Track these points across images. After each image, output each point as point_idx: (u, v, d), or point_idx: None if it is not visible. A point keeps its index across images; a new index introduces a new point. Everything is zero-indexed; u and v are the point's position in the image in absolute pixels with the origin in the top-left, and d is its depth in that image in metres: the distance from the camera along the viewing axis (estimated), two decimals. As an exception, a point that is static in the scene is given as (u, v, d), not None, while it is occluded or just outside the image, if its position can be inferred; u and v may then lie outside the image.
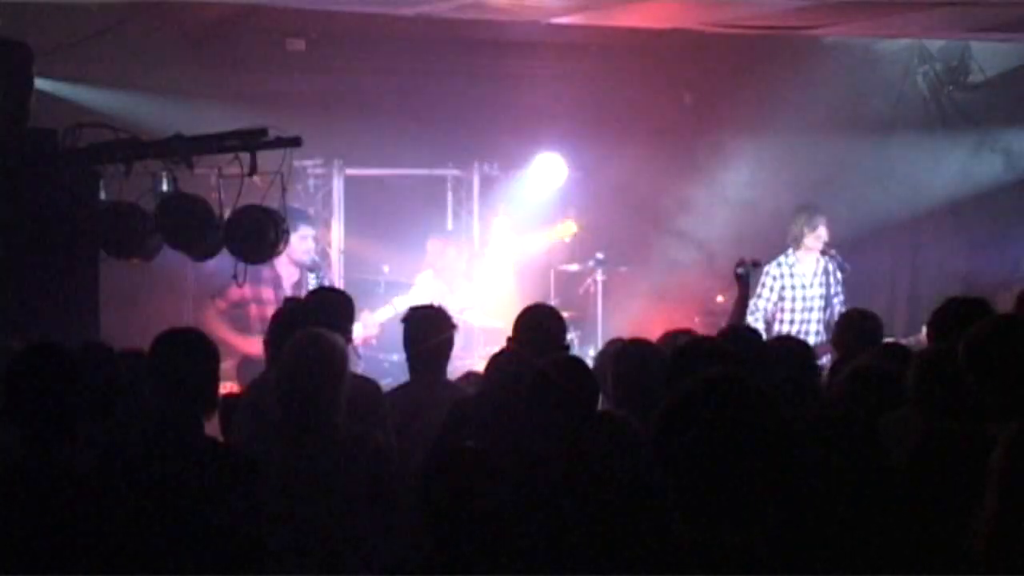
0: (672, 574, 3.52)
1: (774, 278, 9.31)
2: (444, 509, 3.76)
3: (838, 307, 9.27)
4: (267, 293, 8.71)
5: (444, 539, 3.77)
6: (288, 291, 8.76)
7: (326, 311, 6.00)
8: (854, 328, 6.56)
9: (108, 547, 4.10)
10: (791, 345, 5.84)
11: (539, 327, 5.79)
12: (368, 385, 5.77)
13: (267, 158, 6.79)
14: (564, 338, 5.97)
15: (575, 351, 10.17)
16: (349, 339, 6.09)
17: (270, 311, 7.09)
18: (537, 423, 4.60)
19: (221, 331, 8.45)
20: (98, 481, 4.19)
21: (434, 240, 10.46)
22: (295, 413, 5.02)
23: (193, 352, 4.60)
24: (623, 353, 5.41)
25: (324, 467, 4.95)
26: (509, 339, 5.84)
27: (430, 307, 6.46)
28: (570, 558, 4.06)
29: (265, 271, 8.69)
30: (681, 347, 5.06)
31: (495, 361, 5.52)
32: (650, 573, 3.59)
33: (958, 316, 5.09)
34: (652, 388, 4.85)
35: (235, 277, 7.04)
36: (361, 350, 8.48)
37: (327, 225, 10.54)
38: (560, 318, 5.98)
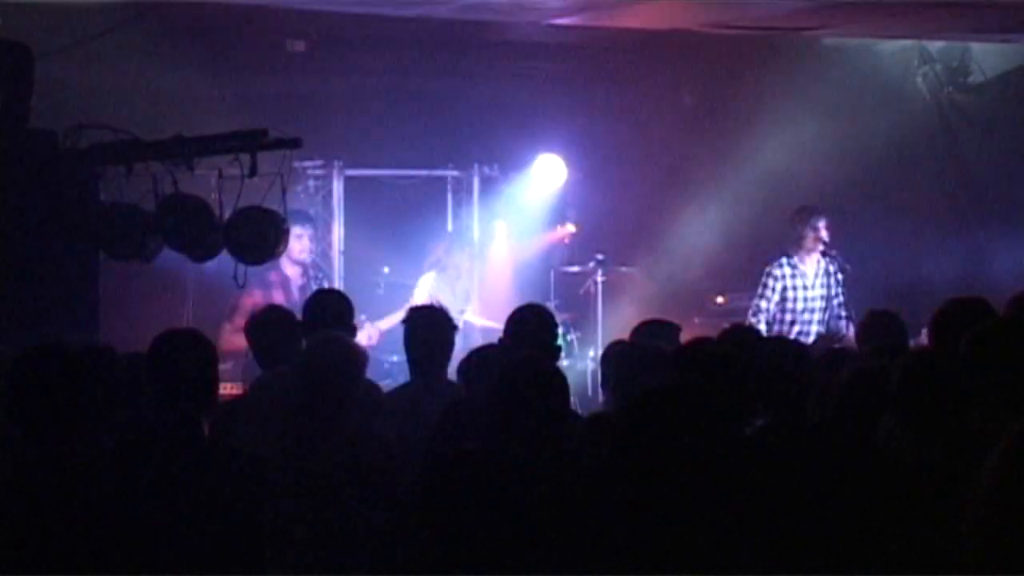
0: (666, 574, 3.53)
1: (776, 278, 9.30)
2: (440, 511, 3.76)
3: (838, 308, 9.26)
4: (278, 297, 8.69)
5: (440, 540, 3.77)
6: (296, 293, 8.76)
7: (324, 313, 6.01)
8: (880, 328, 6.47)
9: (108, 547, 4.10)
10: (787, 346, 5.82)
11: (525, 328, 5.78)
12: (368, 386, 5.78)
13: (267, 159, 6.79)
14: (551, 337, 5.94)
15: (575, 352, 10.21)
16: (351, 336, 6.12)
17: None
18: (514, 424, 4.59)
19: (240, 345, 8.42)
20: (97, 481, 4.19)
21: (437, 243, 10.46)
22: (313, 411, 5.05)
23: (192, 352, 4.60)
24: (624, 355, 5.41)
25: (338, 464, 4.98)
26: (501, 340, 5.85)
27: (430, 307, 6.46)
28: (566, 558, 4.06)
29: (272, 275, 8.69)
30: (682, 349, 5.06)
31: (479, 359, 5.54)
32: (647, 573, 3.60)
33: (959, 317, 5.09)
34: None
35: (235, 278, 7.04)
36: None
37: (327, 226, 10.55)
38: (549, 318, 5.96)
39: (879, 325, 6.44)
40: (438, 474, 3.83)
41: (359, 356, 5.21)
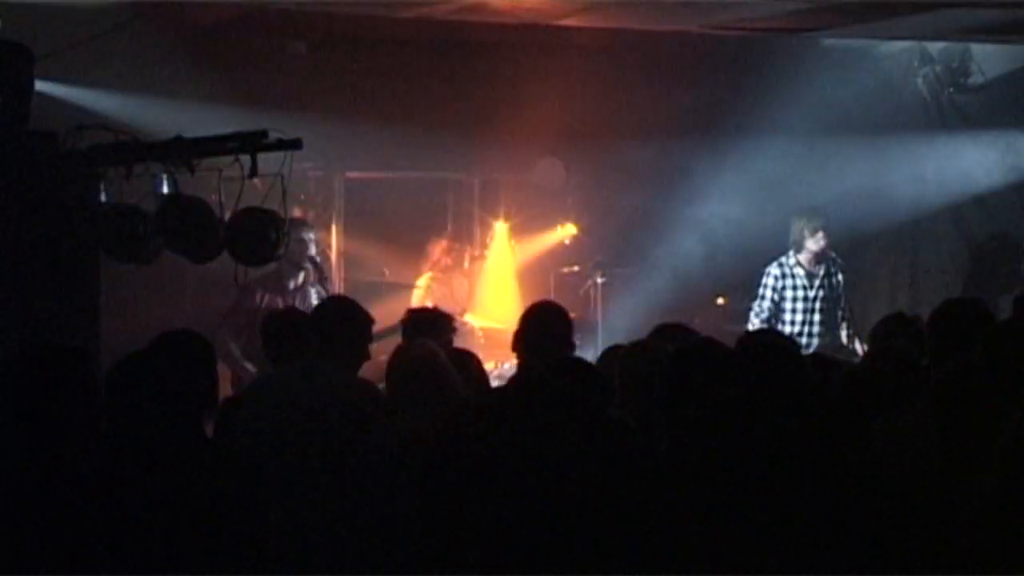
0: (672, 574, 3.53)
1: (775, 279, 9.30)
2: (444, 512, 3.76)
3: (840, 310, 9.26)
4: (275, 299, 8.68)
5: (443, 541, 3.77)
6: (292, 297, 8.75)
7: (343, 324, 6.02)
8: (893, 332, 6.43)
9: (109, 550, 4.10)
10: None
11: (546, 328, 5.79)
12: (370, 388, 5.80)
13: (268, 160, 6.79)
14: (571, 338, 5.96)
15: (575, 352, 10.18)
16: (367, 357, 6.11)
17: None
18: (539, 427, 4.59)
19: (233, 357, 8.40)
20: (97, 483, 4.19)
21: (435, 242, 10.46)
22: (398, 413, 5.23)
23: (191, 354, 4.60)
24: (629, 356, 5.37)
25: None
26: (515, 338, 5.86)
27: (428, 310, 6.47)
28: (569, 561, 4.06)
29: (270, 277, 8.68)
30: (677, 352, 5.04)
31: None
32: (650, 574, 3.60)
33: (956, 318, 5.09)
34: (658, 391, 4.82)
35: (235, 279, 7.05)
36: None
37: (327, 228, 10.54)
38: (567, 317, 5.97)
39: (888, 330, 6.41)
40: (444, 475, 3.83)
41: (441, 362, 5.34)
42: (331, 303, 6.53)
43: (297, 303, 8.57)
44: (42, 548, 4.04)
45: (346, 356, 5.80)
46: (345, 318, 5.98)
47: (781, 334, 6.95)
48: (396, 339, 6.59)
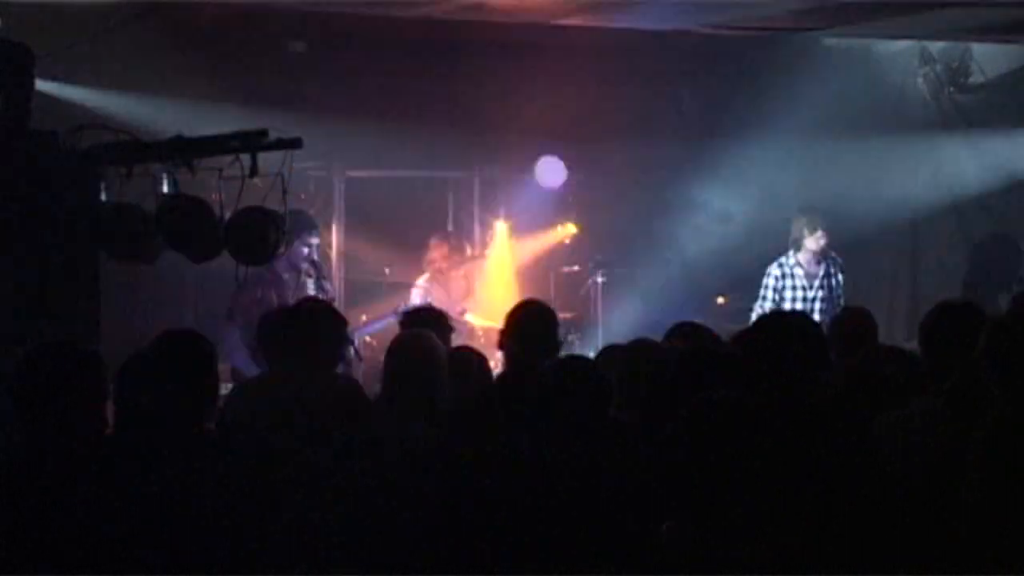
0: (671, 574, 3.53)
1: (775, 279, 9.31)
2: (443, 512, 3.76)
3: (839, 309, 9.26)
4: (270, 295, 8.67)
5: (442, 541, 3.77)
6: (288, 293, 8.73)
7: (318, 331, 5.99)
8: (846, 328, 6.41)
9: (110, 546, 4.10)
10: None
11: (530, 327, 5.79)
12: (350, 384, 5.81)
13: (268, 160, 6.79)
14: (553, 334, 5.94)
15: (575, 352, 10.19)
16: (340, 361, 6.09)
17: None
18: (539, 426, 4.59)
19: (238, 360, 8.33)
20: (99, 482, 4.19)
21: (435, 242, 10.46)
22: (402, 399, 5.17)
23: (192, 352, 4.60)
24: (630, 355, 5.37)
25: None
26: (500, 337, 5.86)
27: (424, 308, 6.47)
28: (572, 560, 4.06)
29: (267, 273, 8.67)
30: (684, 352, 5.03)
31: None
32: (650, 573, 3.60)
33: (949, 322, 5.08)
34: (658, 390, 4.82)
35: (236, 279, 7.05)
36: (362, 352, 8.48)
37: (327, 227, 10.54)
38: (552, 316, 5.95)
39: (847, 326, 6.36)
40: (452, 474, 3.83)
41: (440, 353, 5.29)
42: (302, 307, 6.51)
43: (292, 298, 8.57)
44: (49, 545, 4.05)
45: (317, 359, 5.79)
46: (313, 322, 5.98)
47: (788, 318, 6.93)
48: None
